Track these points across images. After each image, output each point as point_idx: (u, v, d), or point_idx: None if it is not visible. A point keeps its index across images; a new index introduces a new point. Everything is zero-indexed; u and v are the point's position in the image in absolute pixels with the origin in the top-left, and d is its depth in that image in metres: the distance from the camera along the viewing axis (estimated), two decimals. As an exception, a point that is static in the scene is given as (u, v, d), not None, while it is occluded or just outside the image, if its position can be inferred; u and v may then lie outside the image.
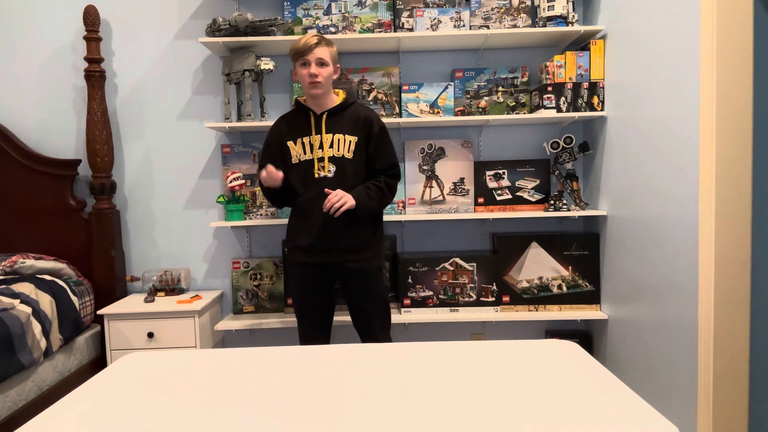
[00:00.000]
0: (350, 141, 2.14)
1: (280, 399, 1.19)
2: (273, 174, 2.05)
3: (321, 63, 2.08)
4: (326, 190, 2.08)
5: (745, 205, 1.75)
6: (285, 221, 2.64)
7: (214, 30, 2.53)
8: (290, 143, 2.17)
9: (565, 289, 2.69)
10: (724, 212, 1.75)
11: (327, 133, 2.13)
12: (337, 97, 2.20)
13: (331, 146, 2.13)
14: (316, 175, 2.13)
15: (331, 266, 2.17)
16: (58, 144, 2.84)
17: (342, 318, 2.55)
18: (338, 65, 2.19)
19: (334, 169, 2.13)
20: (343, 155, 2.13)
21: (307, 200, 2.14)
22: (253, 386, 1.26)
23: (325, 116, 2.15)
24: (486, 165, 2.78)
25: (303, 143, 2.15)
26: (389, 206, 2.72)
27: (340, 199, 2.04)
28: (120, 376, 1.36)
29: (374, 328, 2.23)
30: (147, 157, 2.87)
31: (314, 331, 2.25)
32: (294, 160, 2.16)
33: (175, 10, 2.82)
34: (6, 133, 2.71)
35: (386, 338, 2.27)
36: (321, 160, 2.14)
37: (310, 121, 2.16)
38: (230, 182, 2.67)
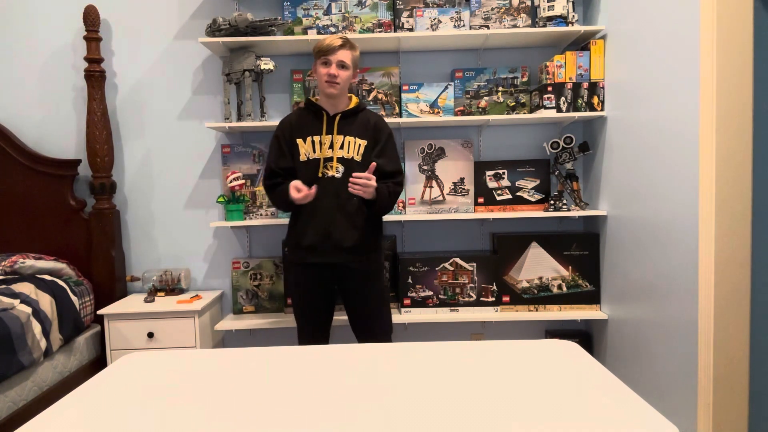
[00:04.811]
0: (360, 144, 2.14)
1: (279, 399, 1.19)
2: (307, 194, 2.03)
3: (342, 65, 2.10)
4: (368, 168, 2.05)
5: (745, 205, 1.75)
6: (285, 221, 2.64)
7: (214, 30, 2.53)
8: (299, 140, 2.16)
9: (565, 289, 2.69)
10: (724, 212, 1.75)
11: (339, 134, 2.14)
12: (350, 101, 2.21)
13: (341, 147, 2.13)
14: (321, 174, 2.13)
15: (332, 266, 2.16)
16: (58, 144, 2.84)
17: (341, 317, 2.54)
18: (358, 70, 2.21)
19: (342, 169, 2.12)
20: (352, 157, 2.14)
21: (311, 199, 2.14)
22: (253, 386, 1.26)
23: (338, 117, 2.15)
24: (486, 165, 2.78)
25: (312, 142, 2.15)
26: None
27: (366, 185, 2.01)
28: (120, 376, 1.36)
29: (373, 330, 2.21)
30: (147, 157, 2.87)
31: (313, 331, 2.24)
32: (302, 158, 2.15)
33: (175, 10, 2.82)
34: (6, 133, 2.71)
35: (387, 341, 2.25)
36: (329, 160, 2.13)
37: (322, 120, 2.16)
38: (230, 182, 2.67)
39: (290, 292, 2.26)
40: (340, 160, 2.13)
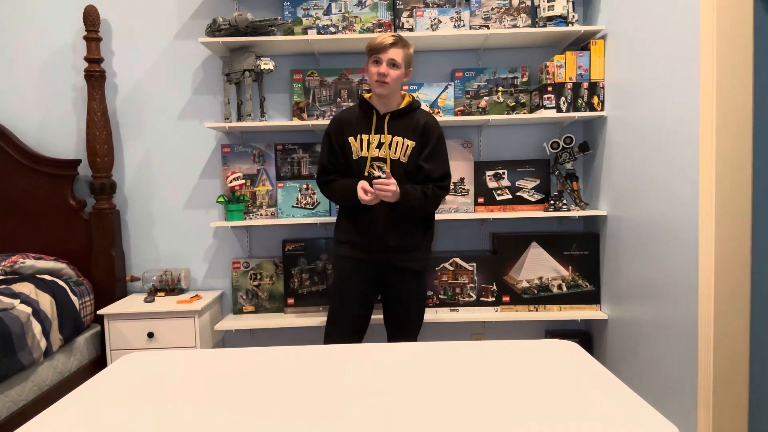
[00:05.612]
0: (408, 145, 2.13)
1: (279, 399, 1.19)
2: (373, 198, 2.03)
3: (392, 64, 2.07)
4: (384, 173, 2.05)
5: (745, 205, 1.75)
6: (284, 221, 2.65)
7: (214, 30, 2.53)
8: (351, 139, 2.15)
9: (565, 289, 2.69)
10: (724, 212, 1.75)
11: (388, 133, 2.12)
12: (402, 100, 2.18)
13: (389, 147, 2.12)
14: (367, 173, 2.12)
15: (378, 264, 2.15)
16: (57, 144, 2.84)
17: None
18: (411, 68, 2.17)
19: (388, 170, 2.10)
20: (399, 158, 2.12)
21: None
22: (253, 386, 1.26)
23: (388, 117, 2.14)
24: (486, 165, 2.78)
25: (362, 140, 2.14)
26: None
27: (387, 190, 2.00)
28: (120, 376, 1.36)
29: (407, 329, 2.21)
30: (147, 157, 2.87)
31: (341, 334, 2.17)
32: (354, 156, 2.15)
33: (175, 10, 2.82)
34: (6, 133, 2.71)
35: (414, 340, 2.24)
36: (375, 159, 2.13)
37: (372, 119, 2.15)
38: (230, 182, 2.67)
39: (330, 288, 2.26)
40: (386, 160, 2.12)
